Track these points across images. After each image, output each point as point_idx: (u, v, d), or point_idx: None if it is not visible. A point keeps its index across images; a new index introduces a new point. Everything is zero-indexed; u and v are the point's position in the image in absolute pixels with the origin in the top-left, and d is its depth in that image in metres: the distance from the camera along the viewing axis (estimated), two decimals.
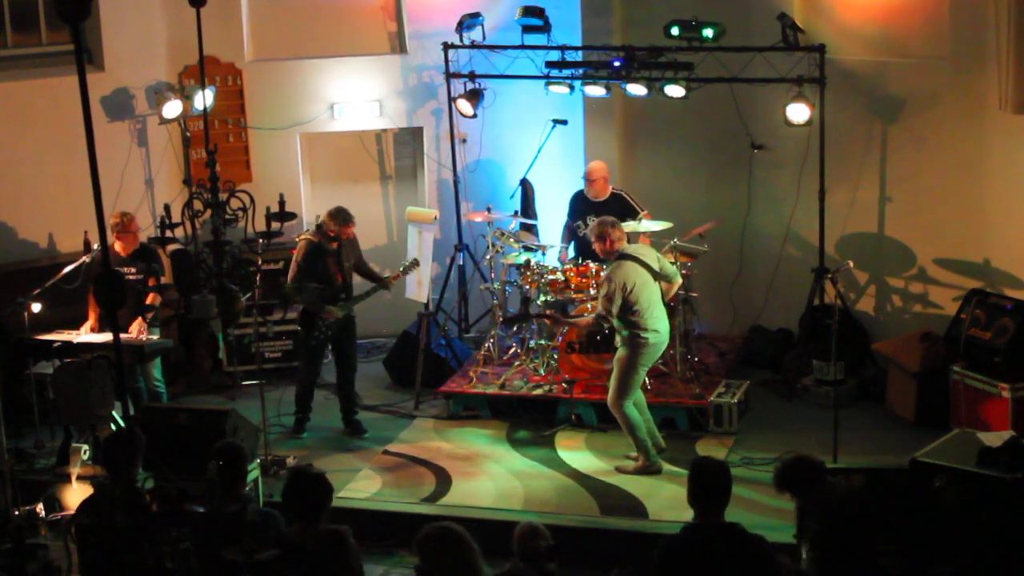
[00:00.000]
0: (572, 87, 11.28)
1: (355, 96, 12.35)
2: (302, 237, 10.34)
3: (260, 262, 9.20)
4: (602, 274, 10.52)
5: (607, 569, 8.41)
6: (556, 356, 10.60)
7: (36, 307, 10.22)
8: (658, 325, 9.35)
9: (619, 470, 9.56)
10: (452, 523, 6.00)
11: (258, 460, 9.24)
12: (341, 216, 10.18)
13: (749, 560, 6.09)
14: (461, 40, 11.63)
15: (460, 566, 5.81)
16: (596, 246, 9.50)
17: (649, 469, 9.43)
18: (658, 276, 9.43)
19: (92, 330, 10.27)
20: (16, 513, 8.68)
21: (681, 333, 10.65)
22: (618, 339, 9.45)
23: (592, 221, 11.21)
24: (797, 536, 7.20)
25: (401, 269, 10.75)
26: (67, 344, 9.96)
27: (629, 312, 9.24)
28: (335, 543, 6.26)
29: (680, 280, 9.79)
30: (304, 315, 10.30)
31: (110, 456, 7.18)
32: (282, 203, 8.23)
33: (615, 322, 9.32)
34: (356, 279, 10.56)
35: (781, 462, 6.99)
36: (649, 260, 9.41)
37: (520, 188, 11.92)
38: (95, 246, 10.17)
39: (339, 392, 10.59)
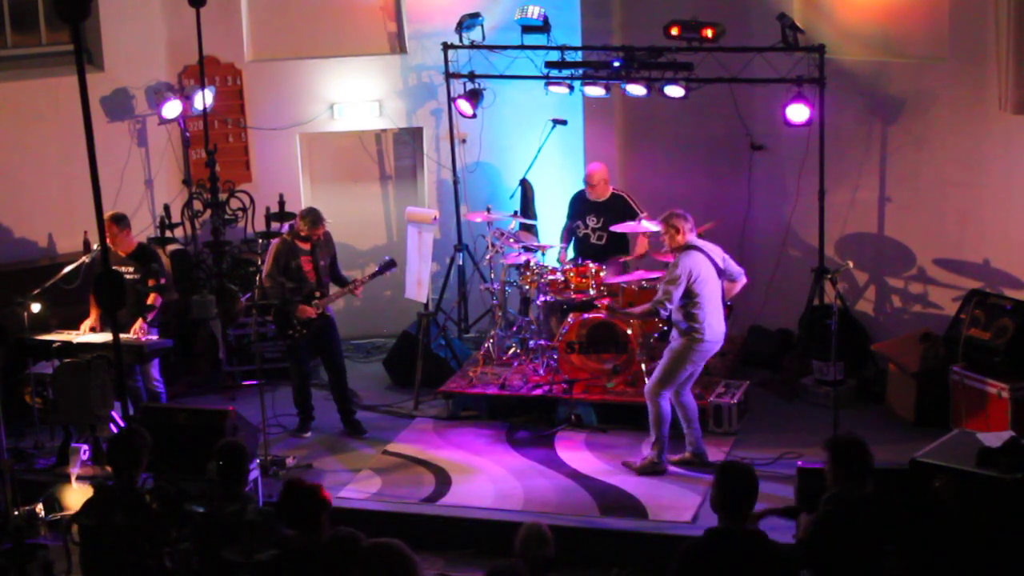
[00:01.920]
0: (572, 87, 11.28)
1: (355, 96, 12.35)
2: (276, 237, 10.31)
3: (260, 262, 9.19)
4: (599, 267, 10.53)
5: (607, 569, 8.44)
6: (556, 356, 10.60)
7: (36, 307, 10.22)
8: (715, 323, 9.23)
9: (625, 464, 9.54)
10: (392, 540, 5.94)
11: (258, 460, 9.24)
12: (311, 217, 10.15)
13: (771, 568, 6.04)
14: (461, 40, 11.63)
15: None
16: (665, 238, 9.31)
17: (655, 468, 9.40)
18: (722, 274, 9.33)
19: (92, 329, 10.27)
20: (16, 513, 8.67)
21: None
22: (672, 335, 9.34)
23: (592, 220, 11.26)
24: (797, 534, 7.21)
25: (377, 268, 10.65)
26: (67, 344, 9.96)
27: (691, 304, 9.13)
28: (346, 546, 6.25)
29: (744, 280, 9.62)
30: (278, 313, 10.28)
31: (115, 456, 7.17)
32: (282, 203, 8.25)
33: (674, 312, 9.18)
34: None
35: (848, 434, 6.91)
36: (715, 256, 9.31)
37: (520, 188, 11.92)
38: (95, 246, 10.17)
39: (333, 393, 10.59)
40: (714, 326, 9.24)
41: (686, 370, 9.31)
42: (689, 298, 9.13)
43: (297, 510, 6.37)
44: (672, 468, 9.54)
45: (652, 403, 9.36)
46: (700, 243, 9.34)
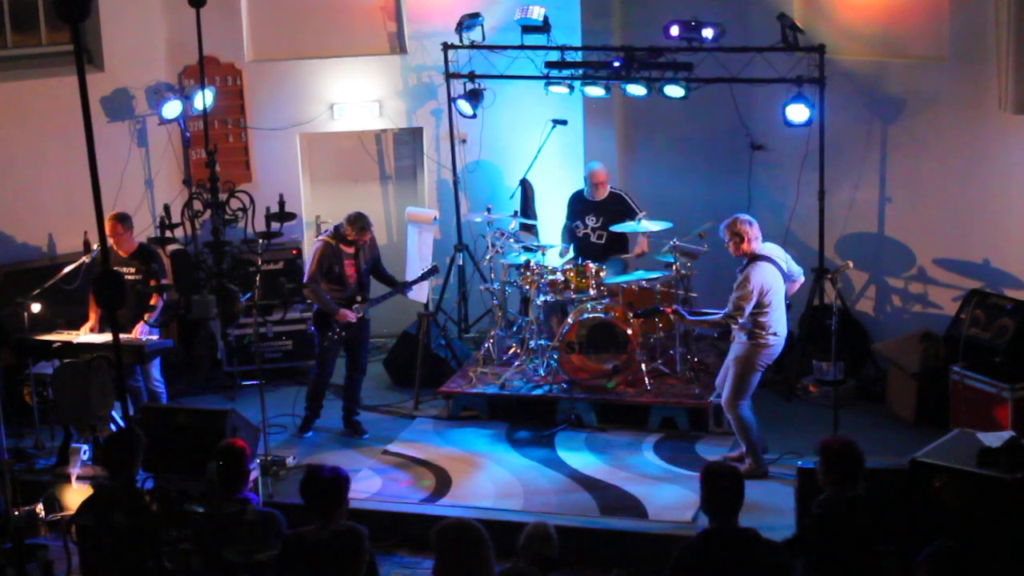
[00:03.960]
0: (572, 87, 11.28)
1: (355, 96, 12.35)
2: (320, 239, 10.37)
3: (260, 262, 9.19)
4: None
5: (607, 569, 8.43)
6: (556, 356, 10.60)
7: (36, 307, 10.23)
8: (780, 328, 9.17)
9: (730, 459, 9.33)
10: (469, 519, 6.02)
11: (258, 460, 9.24)
12: (360, 223, 10.19)
13: (764, 565, 6.07)
14: (461, 40, 11.63)
15: (475, 561, 5.84)
16: (730, 245, 9.16)
17: (756, 472, 9.22)
18: (786, 278, 9.25)
19: (92, 330, 10.27)
20: (16, 513, 8.68)
21: (681, 333, 10.65)
22: (735, 336, 9.29)
23: (591, 220, 11.27)
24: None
25: (420, 275, 10.73)
26: (67, 344, 9.96)
27: (759, 312, 9.04)
28: (351, 541, 6.27)
29: (802, 279, 9.55)
30: (319, 315, 10.32)
31: (110, 456, 7.18)
32: (282, 203, 8.21)
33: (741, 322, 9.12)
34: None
35: (840, 437, 6.94)
36: (779, 261, 9.22)
37: (520, 188, 11.92)
38: (95, 246, 10.18)
39: (344, 393, 10.60)
40: (780, 331, 9.17)
41: (757, 375, 9.24)
42: (759, 307, 9.04)
43: (320, 494, 6.40)
44: (671, 467, 9.55)
45: (732, 415, 9.28)
46: (765, 250, 9.20)
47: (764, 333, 9.11)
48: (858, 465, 6.66)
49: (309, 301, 10.54)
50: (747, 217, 9.23)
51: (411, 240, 11.53)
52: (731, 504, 6.15)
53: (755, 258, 9.09)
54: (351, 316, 10.22)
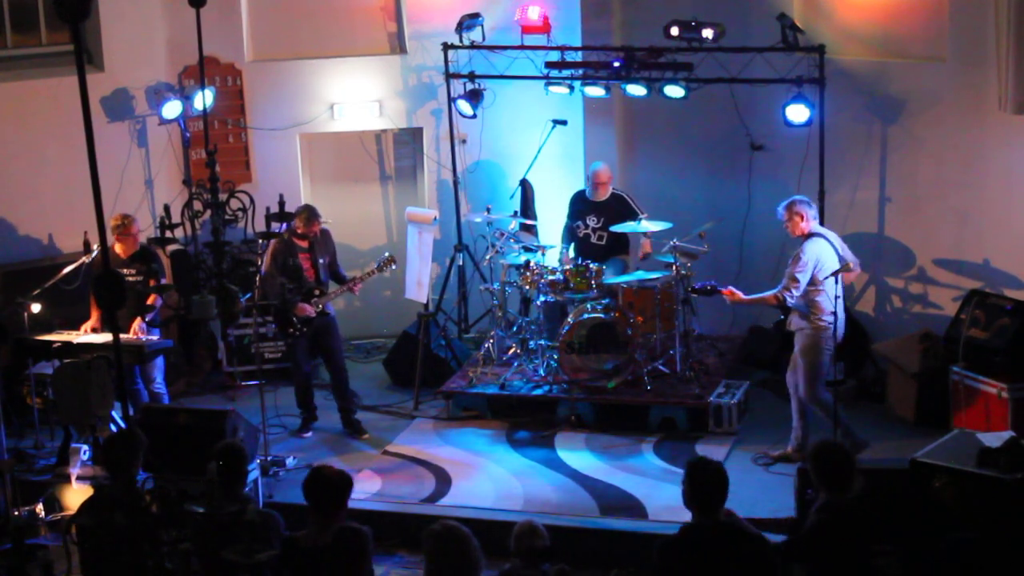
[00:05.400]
0: (572, 87, 11.28)
1: (355, 96, 12.35)
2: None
3: (259, 262, 9.20)
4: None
5: (607, 569, 8.44)
6: (556, 356, 10.60)
7: (36, 307, 10.23)
8: (837, 309, 9.16)
9: (772, 457, 9.37)
10: (455, 522, 6.04)
11: (257, 460, 9.24)
12: (306, 214, 10.20)
13: (748, 558, 6.10)
14: (461, 40, 11.63)
15: (462, 564, 5.85)
16: (788, 225, 9.27)
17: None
18: (840, 260, 9.27)
19: (93, 330, 10.28)
20: (16, 513, 8.68)
21: (681, 333, 10.65)
22: (794, 323, 9.31)
23: (592, 220, 11.26)
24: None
25: (376, 265, 10.63)
26: (67, 344, 9.96)
27: (814, 292, 9.10)
28: (356, 542, 6.27)
29: (859, 269, 9.60)
30: (278, 313, 10.28)
31: (110, 456, 7.18)
32: (282, 204, 8.22)
33: (795, 302, 9.12)
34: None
35: (829, 440, 6.94)
36: (835, 243, 9.30)
37: (520, 188, 11.91)
38: (95, 246, 10.18)
39: (334, 395, 10.60)
40: (836, 312, 9.17)
41: (826, 358, 9.25)
42: (813, 285, 9.10)
43: (323, 494, 6.40)
44: (670, 467, 9.54)
45: (815, 405, 9.30)
46: (822, 230, 9.32)
47: (822, 316, 9.13)
48: (847, 467, 6.63)
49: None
50: (805, 199, 9.35)
51: (411, 240, 11.52)
52: (714, 498, 6.17)
53: (810, 235, 9.20)
54: (310, 310, 10.18)
